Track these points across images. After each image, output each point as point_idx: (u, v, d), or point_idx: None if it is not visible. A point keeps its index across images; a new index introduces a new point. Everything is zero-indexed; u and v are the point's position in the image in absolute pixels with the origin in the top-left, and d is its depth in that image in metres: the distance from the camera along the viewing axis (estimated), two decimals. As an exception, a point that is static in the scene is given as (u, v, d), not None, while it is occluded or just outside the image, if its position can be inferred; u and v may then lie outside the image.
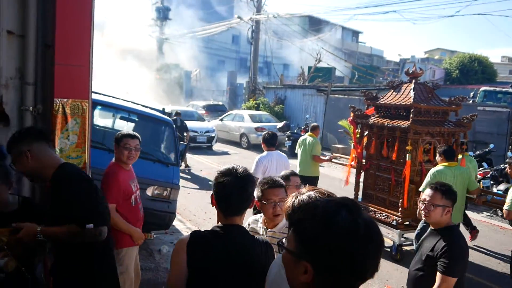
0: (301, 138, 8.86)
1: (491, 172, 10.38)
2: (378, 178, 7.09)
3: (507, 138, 13.72)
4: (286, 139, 17.44)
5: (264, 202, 2.91)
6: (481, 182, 9.94)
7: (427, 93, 6.74)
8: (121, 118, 7.42)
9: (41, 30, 3.31)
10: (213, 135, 18.24)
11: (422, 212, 3.25)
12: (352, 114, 7.33)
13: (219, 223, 2.23)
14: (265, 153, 6.45)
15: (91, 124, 3.65)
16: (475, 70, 30.85)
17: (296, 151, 8.88)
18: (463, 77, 30.57)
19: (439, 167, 5.80)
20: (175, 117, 14.82)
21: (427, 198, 3.20)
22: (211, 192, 2.25)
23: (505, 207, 5.24)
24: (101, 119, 7.71)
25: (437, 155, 5.98)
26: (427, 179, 5.71)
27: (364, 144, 7.31)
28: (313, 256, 1.19)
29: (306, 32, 37.97)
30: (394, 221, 6.51)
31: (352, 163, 7.70)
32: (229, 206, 2.20)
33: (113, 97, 7.03)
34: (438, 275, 3.02)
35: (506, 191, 7.19)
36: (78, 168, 2.99)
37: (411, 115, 6.25)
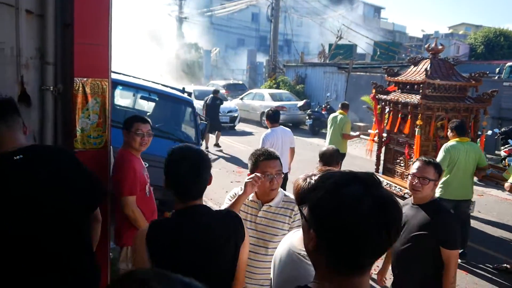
0: (331, 116, 9.10)
1: (516, 149, 10.14)
2: (396, 153, 7.22)
3: (534, 115, 13.37)
4: (307, 117, 17.33)
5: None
6: (506, 160, 9.75)
7: (447, 69, 6.70)
8: (142, 97, 7.49)
9: (59, 9, 3.31)
10: (235, 115, 18.03)
11: (414, 186, 3.10)
12: (373, 90, 7.38)
13: (179, 207, 2.07)
14: (269, 130, 6.61)
15: (111, 103, 3.66)
16: (501, 45, 29.90)
17: (327, 129, 9.17)
18: (489, 52, 29.71)
19: (452, 142, 5.82)
20: (211, 95, 13.96)
21: (421, 173, 3.07)
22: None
23: (510, 180, 5.20)
24: (122, 99, 7.79)
25: (449, 130, 5.98)
26: (441, 153, 5.75)
27: (385, 119, 7.36)
28: (317, 225, 1.19)
29: (327, 8, 37.35)
30: (406, 194, 6.52)
31: (375, 138, 7.82)
32: (185, 192, 2.05)
33: (133, 76, 7.08)
34: (446, 252, 2.93)
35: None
36: (12, 162, 2.22)
37: (421, 90, 6.27)
